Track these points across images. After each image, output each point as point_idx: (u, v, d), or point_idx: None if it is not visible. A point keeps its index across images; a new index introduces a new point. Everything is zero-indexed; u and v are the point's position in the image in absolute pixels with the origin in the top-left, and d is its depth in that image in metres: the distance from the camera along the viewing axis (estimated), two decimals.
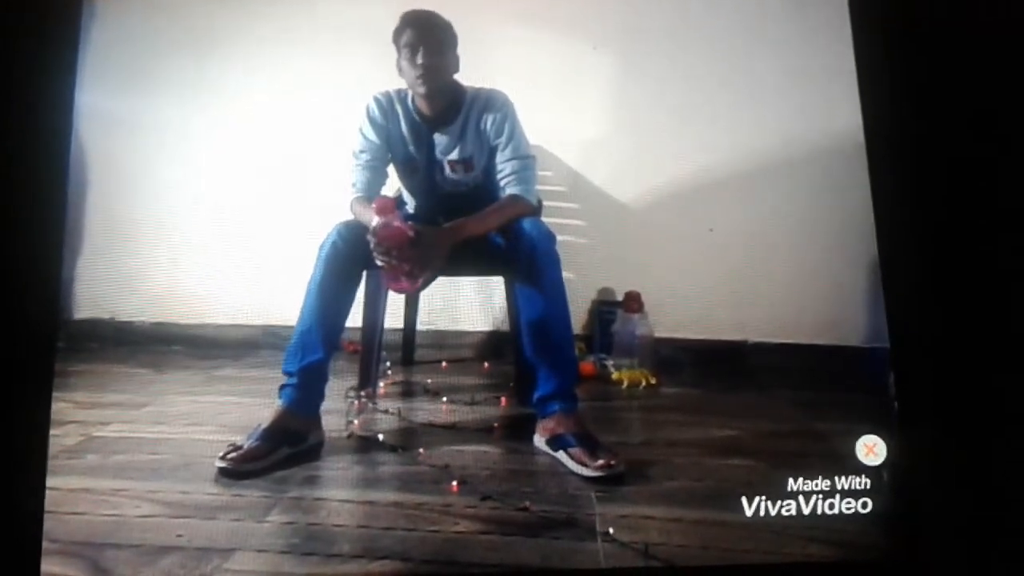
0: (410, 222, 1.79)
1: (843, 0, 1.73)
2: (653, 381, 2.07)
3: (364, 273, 1.87)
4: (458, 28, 1.89)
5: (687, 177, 2.19)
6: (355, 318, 1.88)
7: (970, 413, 1.56)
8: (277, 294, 1.95)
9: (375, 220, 1.75)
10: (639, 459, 1.69)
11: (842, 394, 1.82)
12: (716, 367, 2.12)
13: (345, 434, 1.81)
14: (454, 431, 1.84)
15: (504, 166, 1.92)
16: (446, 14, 1.88)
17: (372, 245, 1.75)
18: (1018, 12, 1.67)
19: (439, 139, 1.95)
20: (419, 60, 1.86)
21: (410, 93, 1.94)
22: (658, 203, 2.22)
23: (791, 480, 1.53)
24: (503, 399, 1.99)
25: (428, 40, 1.87)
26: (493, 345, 2.20)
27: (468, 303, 2.12)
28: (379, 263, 1.76)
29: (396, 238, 1.74)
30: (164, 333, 2.13)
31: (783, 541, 1.47)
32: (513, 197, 1.91)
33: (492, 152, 1.95)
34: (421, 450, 1.74)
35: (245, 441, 1.67)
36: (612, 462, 1.63)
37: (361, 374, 1.97)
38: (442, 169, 1.97)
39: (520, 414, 1.89)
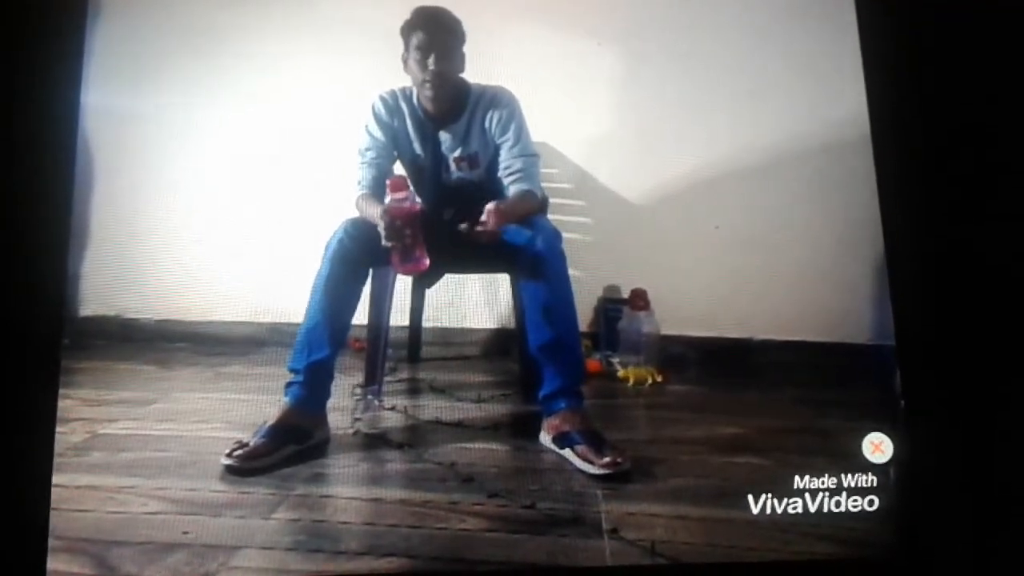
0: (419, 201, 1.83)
1: None
2: (659, 378, 2.07)
3: (370, 271, 1.88)
4: (463, 24, 1.90)
5: (693, 174, 2.18)
6: (361, 316, 1.88)
7: (977, 411, 1.56)
8: (283, 291, 1.95)
9: (388, 198, 1.79)
10: (645, 456, 1.69)
11: (848, 391, 1.81)
12: (722, 364, 2.11)
13: (351, 431, 1.81)
14: (460, 428, 1.84)
15: (512, 163, 1.93)
16: (451, 11, 1.88)
17: (384, 225, 1.76)
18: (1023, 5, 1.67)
19: (444, 136, 1.95)
20: (430, 65, 1.87)
21: (415, 91, 1.95)
22: (664, 200, 2.22)
23: (797, 478, 1.53)
24: (509, 396, 2.00)
25: (439, 44, 1.87)
26: (499, 342, 2.20)
27: (474, 300, 2.12)
28: (388, 244, 1.77)
29: (408, 215, 1.77)
30: (170, 330, 2.13)
31: (789, 539, 1.47)
32: (528, 192, 1.91)
33: (496, 149, 1.95)
34: (427, 447, 1.74)
35: (251, 438, 1.67)
36: (618, 459, 1.63)
37: (367, 371, 1.97)
38: (447, 166, 1.97)
39: (526, 411, 1.89)
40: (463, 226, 1.81)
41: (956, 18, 1.67)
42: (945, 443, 1.55)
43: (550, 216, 2.02)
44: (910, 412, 1.57)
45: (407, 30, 1.88)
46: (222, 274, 2.01)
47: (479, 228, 1.80)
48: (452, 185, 1.98)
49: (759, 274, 2.10)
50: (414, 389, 2.06)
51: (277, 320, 2.01)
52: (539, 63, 2.16)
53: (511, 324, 2.04)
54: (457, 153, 1.96)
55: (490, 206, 1.82)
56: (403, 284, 2.03)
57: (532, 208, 1.92)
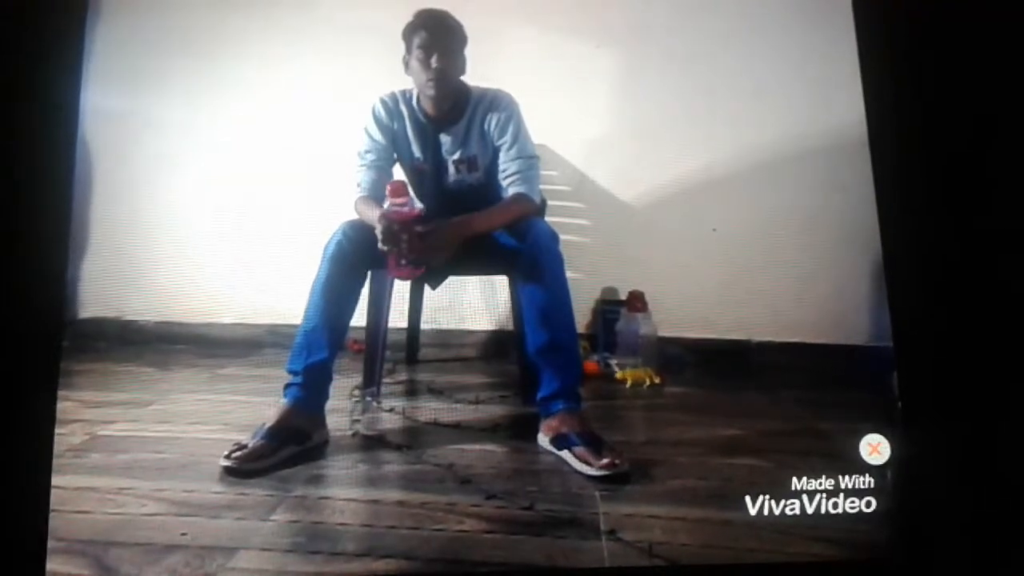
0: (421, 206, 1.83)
1: None
2: (657, 380, 2.07)
3: (369, 272, 1.88)
4: (464, 29, 1.90)
5: (691, 176, 2.19)
6: (360, 317, 1.88)
7: (974, 412, 1.56)
8: (282, 293, 1.96)
9: (388, 203, 1.79)
10: (643, 458, 1.69)
11: (846, 393, 1.82)
12: (720, 366, 2.12)
13: (349, 433, 1.81)
14: (458, 430, 1.84)
15: (508, 165, 1.93)
16: (452, 13, 1.89)
17: (381, 228, 1.76)
18: (1021, 6, 1.67)
19: (444, 139, 1.95)
20: (433, 63, 1.87)
21: (415, 93, 1.95)
22: (662, 202, 2.22)
23: (795, 479, 1.53)
24: (507, 398, 2.00)
25: (443, 43, 1.88)
26: (497, 344, 2.20)
27: (472, 302, 2.12)
28: (384, 248, 1.77)
29: (406, 220, 1.77)
30: (169, 332, 2.13)
31: (787, 540, 1.47)
32: (519, 196, 1.91)
33: (496, 152, 1.95)
34: (425, 449, 1.74)
35: (250, 440, 1.67)
36: (616, 461, 1.63)
37: (365, 373, 1.98)
38: (447, 169, 1.97)
39: (524, 413, 1.89)
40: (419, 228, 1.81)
41: (954, 19, 1.67)
42: (943, 444, 1.55)
43: (548, 218, 2.02)
44: (907, 414, 1.57)
45: (410, 31, 1.89)
46: (221, 276, 2.01)
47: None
48: (452, 188, 1.98)
49: (756, 276, 2.10)
50: (412, 391, 2.06)
51: (276, 322, 2.01)
52: (538, 65, 2.16)
53: (509, 326, 2.05)
54: (457, 156, 1.97)
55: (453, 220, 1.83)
56: (402, 286, 2.03)
57: (520, 212, 1.91)
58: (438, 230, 1.80)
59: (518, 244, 1.82)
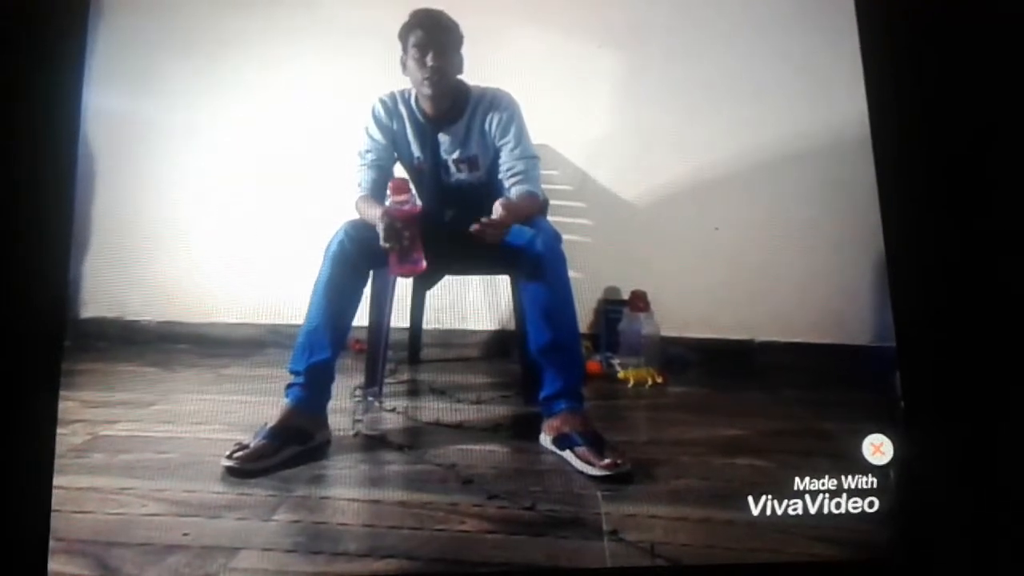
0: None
1: None
2: (659, 380, 2.07)
3: (371, 272, 1.88)
4: (463, 27, 1.90)
5: (693, 176, 2.18)
6: (362, 317, 1.88)
7: (977, 412, 1.56)
8: (284, 293, 1.96)
9: (389, 200, 1.80)
10: (645, 458, 1.69)
11: (848, 393, 1.81)
12: (722, 366, 2.12)
13: (351, 433, 1.81)
14: (460, 430, 1.84)
15: (514, 164, 1.93)
16: (452, 13, 1.89)
17: (383, 226, 1.77)
18: (1023, 7, 1.66)
19: (443, 138, 1.96)
20: (428, 62, 1.87)
21: (414, 93, 1.95)
22: (664, 202, 2.22)
23: (797, 479, 1.53)
24: (509, 398, 2.00)
25: (438, 41, 1.88)
26: (499, 344, 2.20)
27: (474, 302, 2.12)
28: (386, 245, 1.77)
29: (407, 217, 1.78)
30: (171, 332, 2.13)
31: (789, 540, 1.47)
32: (530, 192, 1.92)
33: (496, 152, 1.95)
34: (427, 449, 1.74)
35: (252, 440, 1.67)
36: (618, 461, 1.63)
37: (367, 373, 1.97)
38: (447, 168, 1.97)
39: (526, 413, 1.89)
40: (474, 227, 1.80)
41: (956, 19, 1.67)
42: (945, 445, 1.54)
43: (550, 217, 2.02)
44: (910, 413, 1.57)
45: (405, 31, 1.89)
46: (223, 276, 2.01)
47: (486, 221, 1.79)
48: (452, 187, 1.98)
49: (759, 275, 2.10)
50: (414, 390, 2.06)
51: (278, 322, 2.01)
52: (539, 65, 2.16)
53: (511, 326, 2.04)
54: (456, 155, 1.97)
55: (501, 201, 1.82)
56: (404, 286, 2.03)
57: (535, 209, 1.92)
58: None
59: (520, 243, 1.82)
